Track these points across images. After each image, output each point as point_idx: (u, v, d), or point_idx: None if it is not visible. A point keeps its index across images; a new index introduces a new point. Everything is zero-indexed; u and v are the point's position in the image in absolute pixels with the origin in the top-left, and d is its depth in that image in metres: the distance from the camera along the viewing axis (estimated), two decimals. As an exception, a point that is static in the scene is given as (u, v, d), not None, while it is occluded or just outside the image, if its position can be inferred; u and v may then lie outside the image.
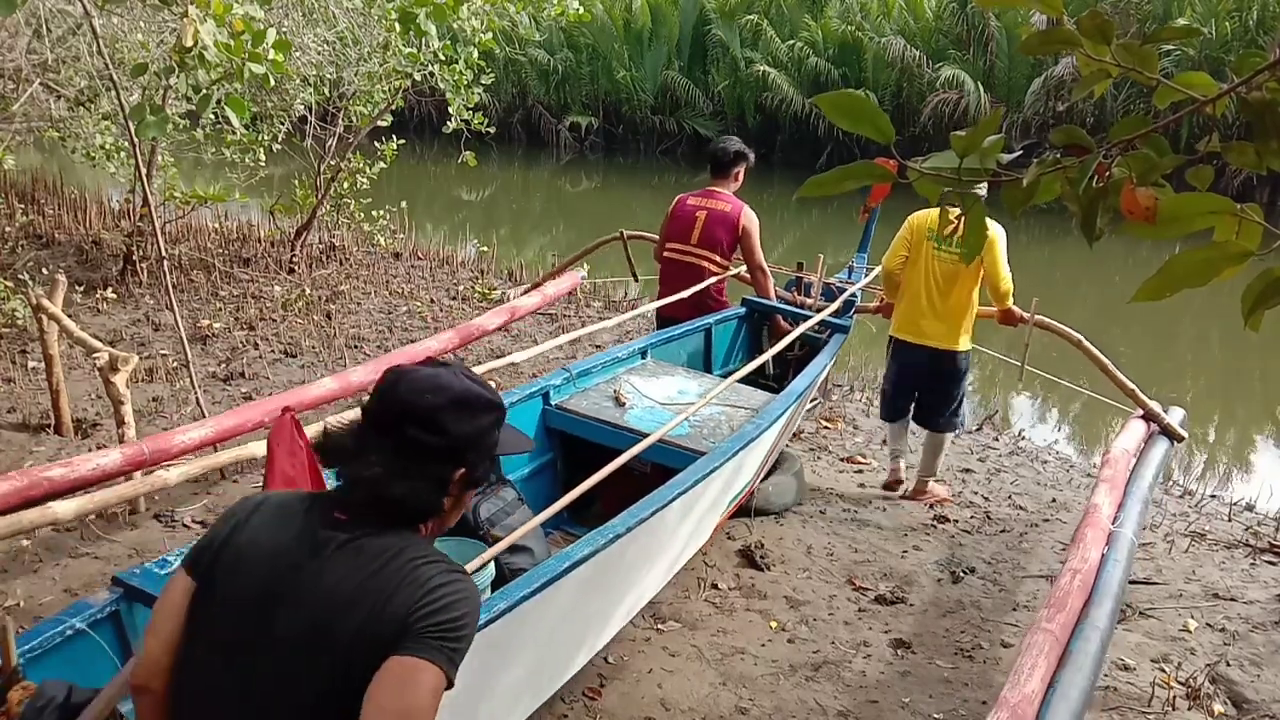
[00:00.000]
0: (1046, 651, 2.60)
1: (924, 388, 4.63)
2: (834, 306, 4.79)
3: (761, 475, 4.24)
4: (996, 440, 5.94)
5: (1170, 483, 5.49)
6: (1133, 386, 4.64)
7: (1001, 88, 17.83)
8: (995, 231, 4.29)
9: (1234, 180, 14.05)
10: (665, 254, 4.85)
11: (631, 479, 3.32)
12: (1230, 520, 4.94)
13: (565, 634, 2.75)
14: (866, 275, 5.31)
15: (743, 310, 4.97)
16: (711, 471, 3.19)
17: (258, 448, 3.46)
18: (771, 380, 4.90)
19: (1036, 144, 15.63)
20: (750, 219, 4.67)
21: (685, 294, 4.57)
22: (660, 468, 3.45)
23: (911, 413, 4.77)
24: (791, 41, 19.42)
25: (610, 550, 2.65)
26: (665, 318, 4.80)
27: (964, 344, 4.50)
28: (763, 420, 3.67)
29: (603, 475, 2.65)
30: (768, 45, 19.48)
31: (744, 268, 4.88)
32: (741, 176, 4.81)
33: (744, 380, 3.84)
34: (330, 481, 2.20)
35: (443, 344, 4.84)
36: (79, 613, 2.08)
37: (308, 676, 1.30)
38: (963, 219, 1.38)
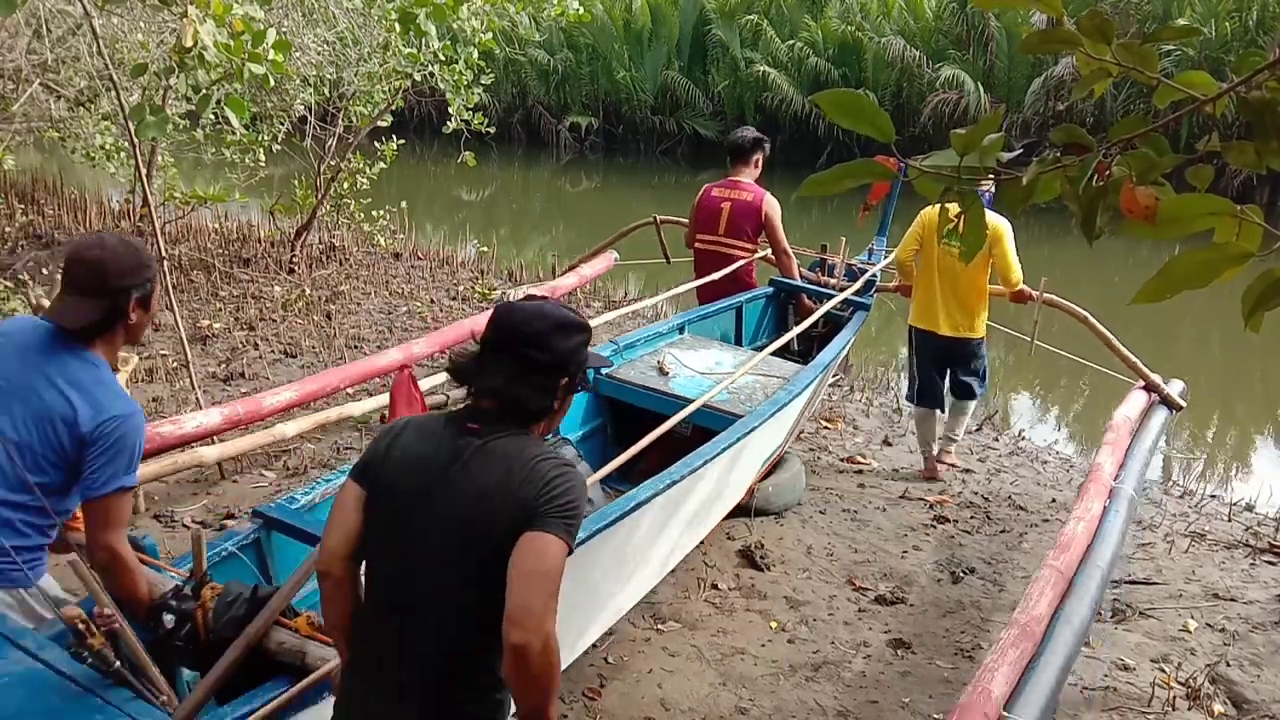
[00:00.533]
0: (1053, 583, 2.98)
1: (949, 368, 4.94)
2: (856, 286, 5.08)
3: (791, 439, 4.70)
4: (996, 440, 5.94)
5: (1170, 483, 5.49)
6: (1134, 359, 4.89)
7: (1001, 88, 17.83)
8: (1002, 226, 4.51)
9: (1234, 180, 14.05)
10: (697, 245, 5.22)
11: (673, 441, 3.52)
12: (1230, 520, 4.94)
13: (632, 564, 3.11)
14: (885, 257, 5.53)
15: (770, 290, 5.34)
16: (753, 429, 3.60)
17: (354, 407, 4.46)
18: (797, 355, 5.11)
19: (1037, 142, 15.62)
20: (772, 206, 4.98)
21: (717, 275, 4.97)
22: (700, 430, 3.79)
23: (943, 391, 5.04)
24: (791, 41, 19.42)
25: (671, 492, 3.07)
26: (704, 300, 5.19)
27: (979, 330, 4.79)
28: (795, 386, 4.08)
29: (657, 434, 3.03)
30: (768, 45, 19.47)
31: (769, 251, 5.18)
32: (760, 163, 5.11)
33: (774, 353, 4.25)
34: None
35: (444, 339, 5.31)
36: (230, 539, 2.46)
37: (459, 555, 1.62)
38: (962, 217, 1.38)
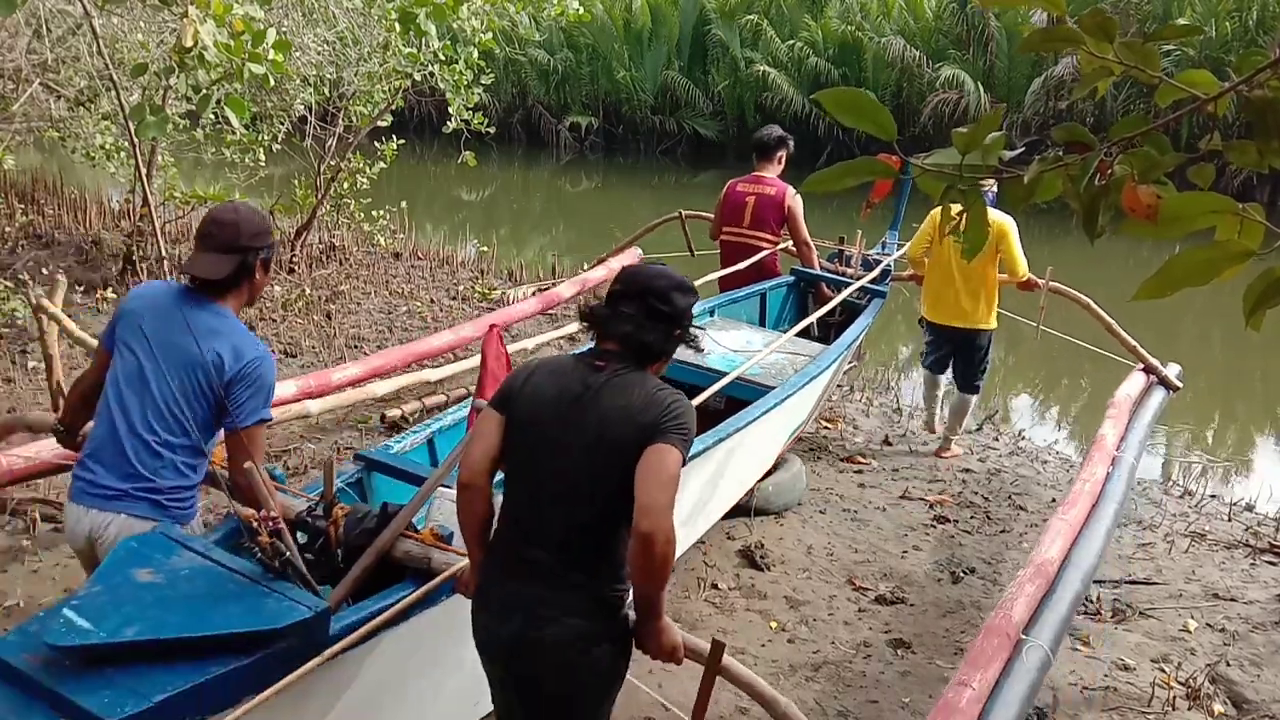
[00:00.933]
0: (1063, 533, 3.41)
1: (955, 356, 5.27)
2: (873, 275, 5.34)
3: (814, 416, 5.12)
4: (996, 440, 5.93)
5: (1170, 483, 5.49)
6: (1134, 343, 5.21)
7: (1002, 87, 17.82)
8: (1006, 223, 4.82)
9: (1235, 179, 14.05)
10: (722, 237, 5.48)
11: (706, 413, 3.85)
12: (1230, 520, 4.94)
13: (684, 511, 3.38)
14: (898, 249, 5.81)
15: (792, 279, 5.63)
16: (787, 398, 4.01)
17: (430, 373, 5.18)
18: (817, 340, 5.32)
19: (1038, 141, 15.62)
20: (795, 200, 5.24)
21: (743, 265, 5.24)
22: (733, 402, 4.06)
23: (948, 371, 5.40)
24: (791, 41, 19.41)
25: (714, 452, 3.39)
26: (726, 289, 5.40)
27: (990, 322, 5.08)
28: (822, 362, 4.48)
29: (696, 403, 3.14)
30: (768, 45, 19.46)
31: (791, 242, 5.46)
32: (784, 160, 5.37)
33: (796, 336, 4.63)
34: None
35: (526, 310, 6.20)
36: (337, 478, 2.63)
37: (592, 467, 1.95)
38: (964, 215, 1.38)
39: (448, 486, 2.52)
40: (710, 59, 20.66)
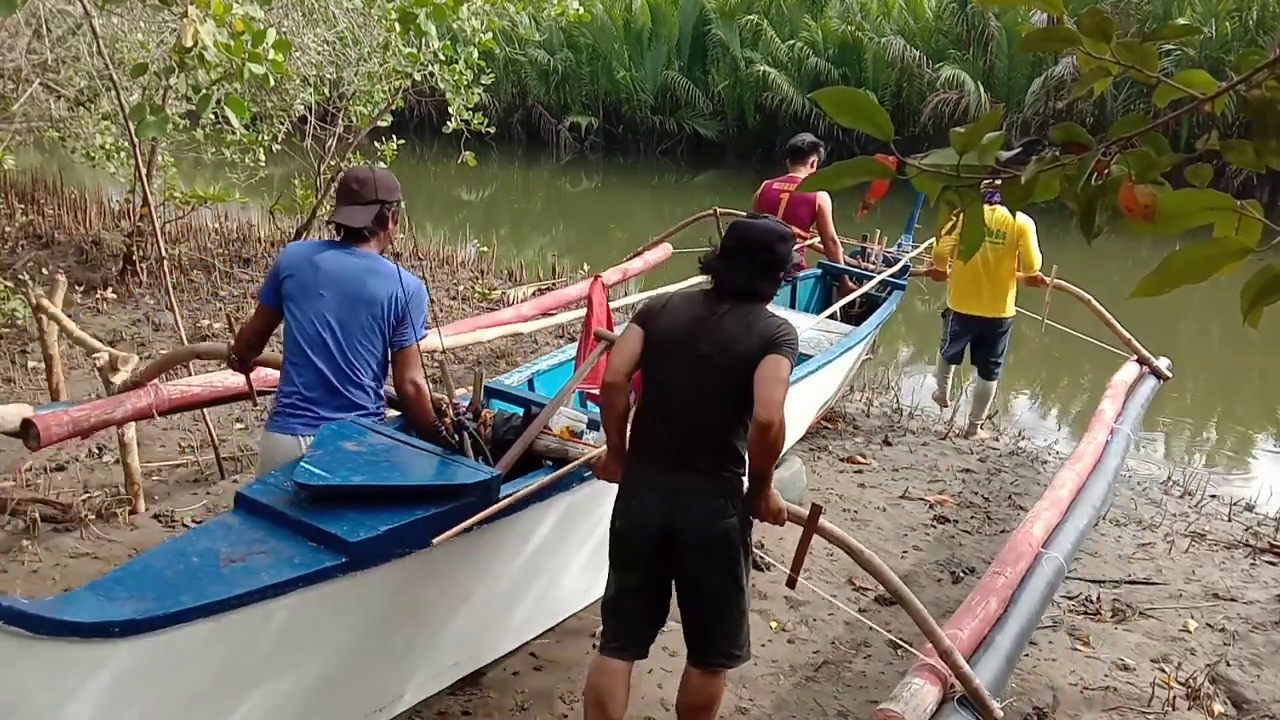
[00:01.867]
0: (1071, 480, 3.92)
1: (975, 345, 5.71)
2: (894, 270, 5.81)
3: (839, 394, 5.63)
4: (997, 440, 5.93)
5: (1170, 483, 5.49)
6: (1128, 335, 5.59)
7: (1001, 87, 17.82)
8: (1027, 223, 5.34)
9: (1234, 179, 14.05)
10: None
11: None
12: (1230, 520, 4.94)
13: None
14: (913, 249, 6.36)
15: (818, 271, 6.11)
16: (820, 367, 4.53)
17: (523, 326, 5.85)
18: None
19: (1036, 141, 15.59)
20: (825, 200, 5.65)
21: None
22: None
23: (965, 358, 5.85)
24: (791, 41, 19.41)
25: None
26: None
27: (1009, 311, 5.57)
28: (853, 337, 5.04)
29: None
30: (768, 45, 19.46)
31: (818, 239, 5.85)
32: (816, 165, 5.78)
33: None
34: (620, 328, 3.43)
35: (576, 294, 6.37)
36: (466, 400, 3.06)
37: (720, 374, 2.39)
38: (962, 216, 1.38)
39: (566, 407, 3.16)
40: (710, 59, 20.65)
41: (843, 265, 5.95)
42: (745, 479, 2.47)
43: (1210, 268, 1.18)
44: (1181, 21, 13.67)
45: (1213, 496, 5.32)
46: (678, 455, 2.44)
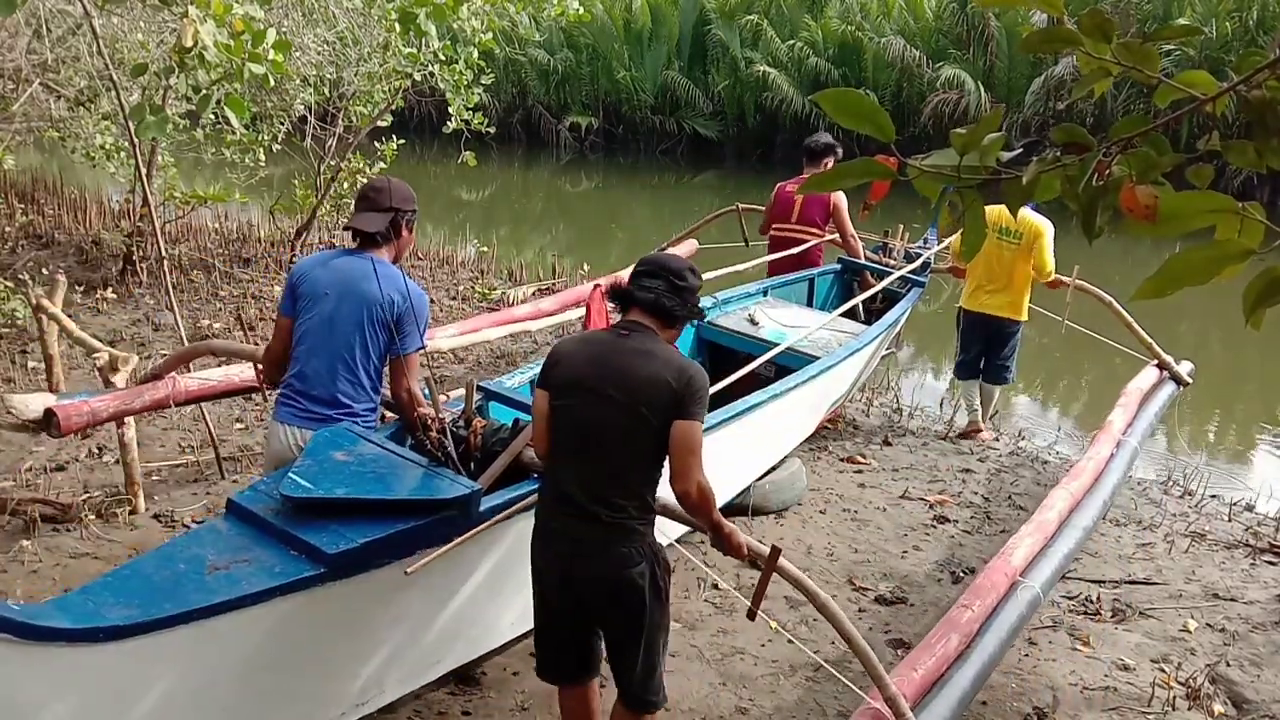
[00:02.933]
0: (1064, 499, 3.90)
1: (986, 347, 5.63)
2: (914, 265, 5.84)
3: (853, 391, 5.67)
4: (997, 440, 5.93)
5: (1170, 483, 5.49)
6: (1149, 339, 5.56)
7: (1001, 88, 17.82)
8: (1044, 225, 5.29)
9: (1234, 180, 14.04)
10: (771, 232, 6.05)
11: (758, 380, 4.19)
12: (1230, 520, 4.94)
13: (739, 459, 3.97)
14: (939, 244, 6.28)
15: (838, 267, 6.14)
16: (831, 366, 4.54)
17: (531, 324, 5.79)
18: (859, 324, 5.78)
19: (1037, 142, 15.59)
20: (840, 198, 5.77)
21: (796, 250, 5.82)
22: (783, 370, 4.46)
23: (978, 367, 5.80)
24: (791, 41, 19.40)
25: (766, 408, 3.87)
26: (774, 274, 5.96)
27: (1022, 313, 5.50)
28: (864, 338, 5.01)
29: (752, 368, 3.95)
30: (768, 45, 19.45)
31: (835, 235, 5.96)
32: (831, 165, 5.63)
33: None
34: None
35: (604, 282, 6.46)
36: (458, 405, 3.13)
37: (623, 413, 2.32)
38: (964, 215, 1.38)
39: None
40: (710, 59, 20.64)
41: (863, 261, 6.02)
42: (652, 523, 2.44)
43: (1212, 270, 1.18)
44: (1182, 22, 13.67)
45: (1213, 496, 5.32)
46: (580, 503, 2.35)
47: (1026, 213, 5.25)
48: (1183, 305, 9.19)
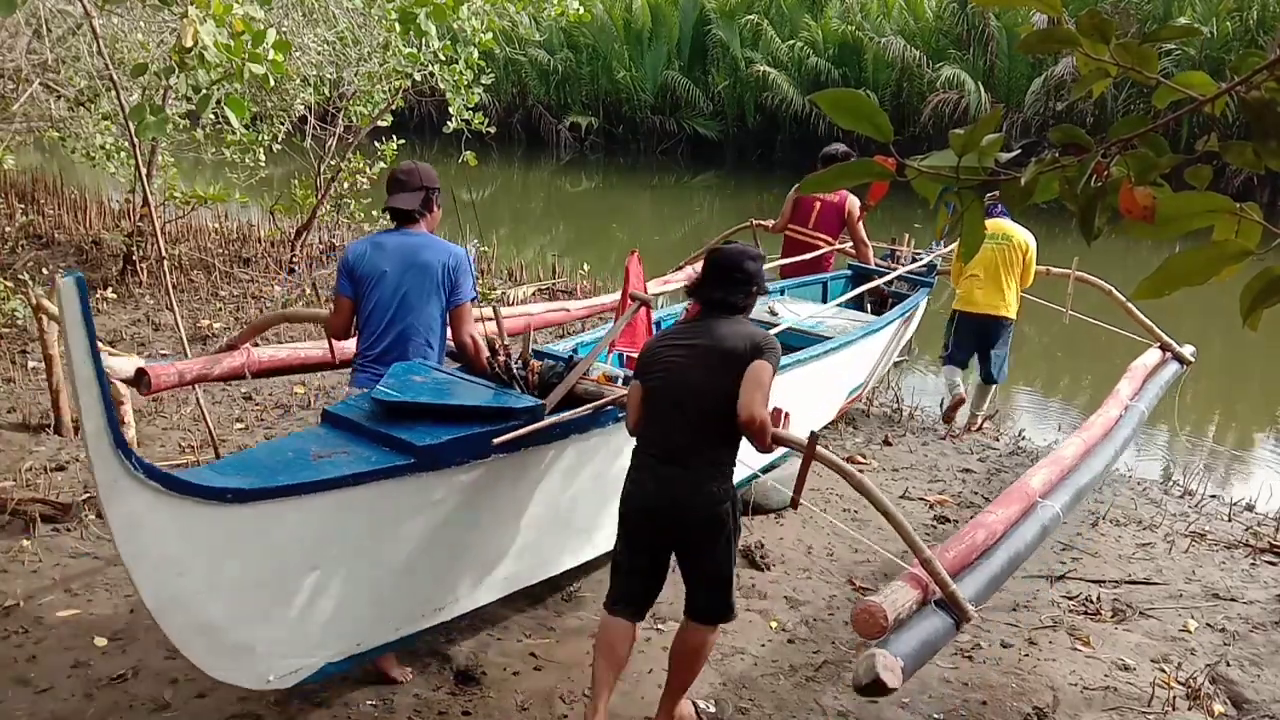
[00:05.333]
0: (1081, 445, 4.10)
1: (978, 345, 5.88)
2: (919, 264, 6.22)
3: (872, 381, 5.92)
4: (997, 440, 5.94)
5: (1170, 483, 5.49)
6: (1151, 324, 5.78)
7: (1001, 88, 17.82)
8: (1031, 239, 5.69)
9: (1234, 180, 14.05)
10: (787, 232, 6.41)
11: None
12: (1230, 520, 4.94)
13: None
14: (945, 248, 6.65)
15: (850, 272, 6.46)
16: (840, 347, 4.83)
17: (571, 303, 6.22)
18: None
19: (1036, 143, 15.61)
20: (854, 204, 6.16)
21: (807, 256, 6.15)
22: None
23: (970, 365, 6.05)
24: (791, 41, 19.41)
25: (785, 376, 3.82)
26: (786, 277, 6.30)
27: (1010, 313, 5.76)
28: (875, 324, 5.40)
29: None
30: (768, 45, 19.46)
31: (849, 243, 6.34)
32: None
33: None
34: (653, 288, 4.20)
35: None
36: (538, 357, 3.49)
37: (709, 376, 2.71)
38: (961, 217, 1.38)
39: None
40: (710, 59, 20.65)
41: (873, 266, 6.32)
42: (733, 466, 2.80)
43: (1210, 270, 1.18)
44: (1181, 22, 13.67)
45: (1213, 496, 5.33)
46: (674, 449, 2.75)
47: (1013, 224, 5.77)
48: (1182, 304, 9.19)
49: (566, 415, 3.05)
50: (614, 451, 3.32)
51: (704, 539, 2.78)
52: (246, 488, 2.33)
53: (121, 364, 3.78)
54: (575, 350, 4.18)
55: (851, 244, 6.41)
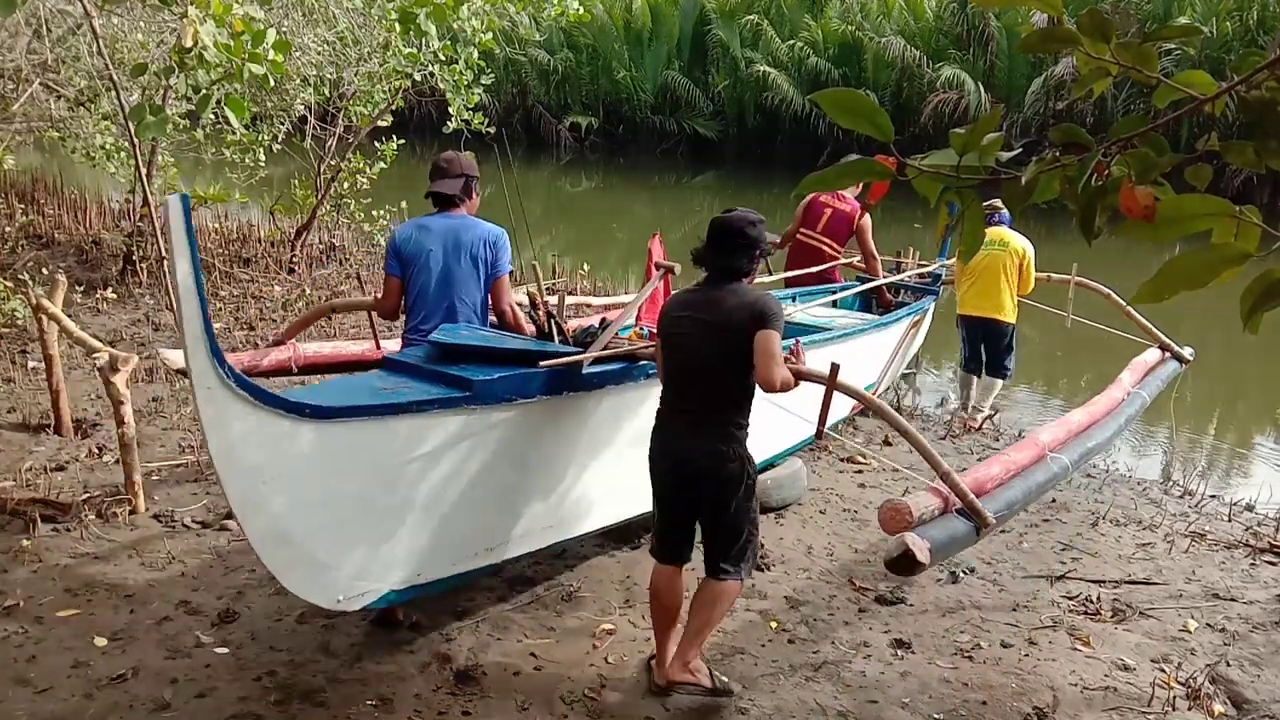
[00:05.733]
0: (1087, 416, 4.27)
1: (984, 345, 6.19)
2: (922, 270, 6.59)
3: (883, 384, 5.95)
4: (997, 440, 5.93)
5: (1170, 483, 5.49)
6: (1150, 325, 5.89)
7: (1001, 88, 17.82)
8: (1026, 248, 5.94)
9: (1234, 180, 14.04)
10: (798, 238, 6.50)
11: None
12: (1230, 520, 4.93)
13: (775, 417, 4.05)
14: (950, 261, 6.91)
15: (858, 284, 6.60)
16: (853, 334, 5.10)
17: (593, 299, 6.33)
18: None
19: (1036, 142, 15.61)
20: (865, 218, 6.25)
21: (814, 269, 6.27)
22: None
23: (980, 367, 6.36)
24: (791, 41, 19.41)
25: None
26: (792, 286, 6.36)
27: (1008, 316, 6.03)
28: (885, 319, 5.66)
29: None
30: (768, 45, 19.46)
31: (858, 257, 6.48)
32: (863, 186, 6.07)
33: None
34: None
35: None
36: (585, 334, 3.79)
37: (718, 342, 2.90)
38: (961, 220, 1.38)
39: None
40: (710, 59, 20.65)
41: (881, 278, 6.41)
42: (745, 428, 2.99)
43: (1210, 273, 1.18)
44: (1182, 22, 13.66)
45: (1213, 496, 5.32)
46: (689, 412, 2.98)
47: (1011, 232, 6.01)
48: (1182, 306, 9.18)
49: (609, 352, 3.38)
50: (648, 411, 3.45)
51: (718, 495, 2.96)
52: (324, 404, 2.59)
53: (174, 355, 4.03)
54: (604, 320, 4.46)
55: (859, 257, 6.51)
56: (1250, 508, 5.15)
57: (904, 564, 2.72)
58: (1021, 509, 3.53)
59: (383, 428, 2.71)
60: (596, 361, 3.37)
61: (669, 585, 3.11)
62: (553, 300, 4.09)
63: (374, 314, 4.31)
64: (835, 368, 3.09)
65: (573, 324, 3.92)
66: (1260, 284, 1.18)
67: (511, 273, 3.76)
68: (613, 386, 3.46)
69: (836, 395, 5.21)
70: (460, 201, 3.71)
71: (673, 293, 3.22)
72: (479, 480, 3.03)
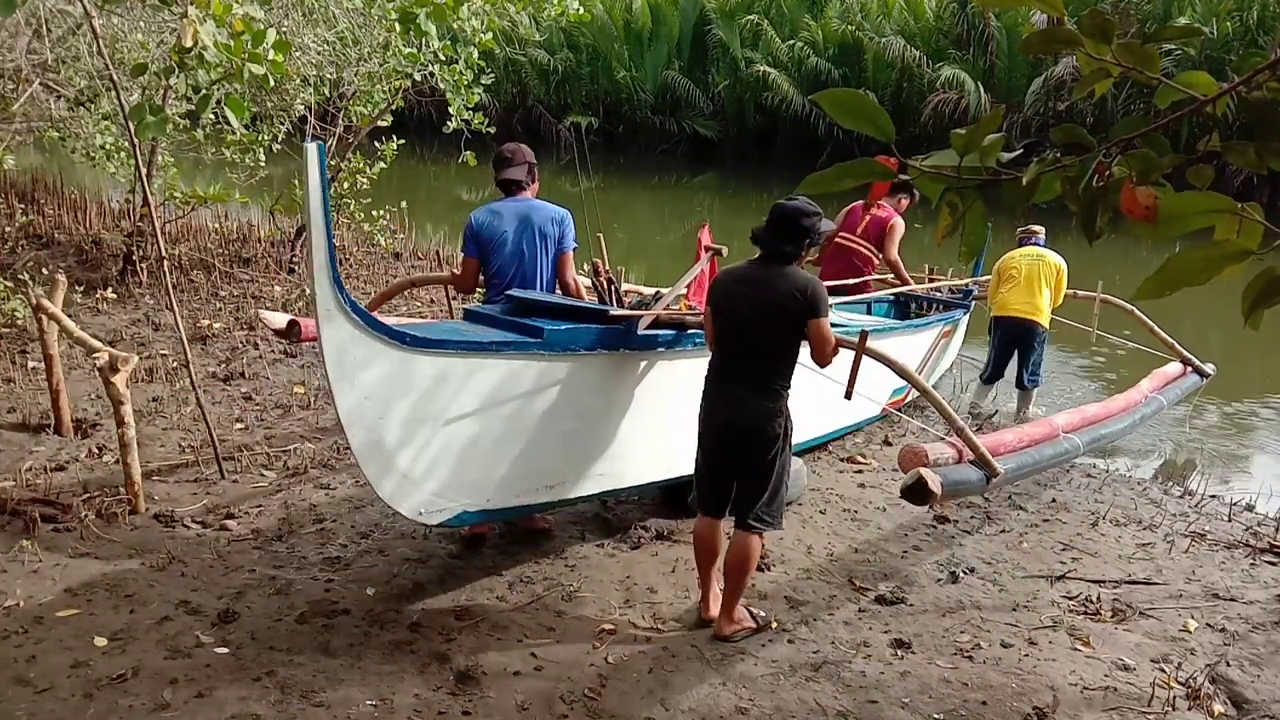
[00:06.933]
0: (1103, 410, 4.70)
1: (1015, 350, 6.43)
2: (958, 283, 7.01)
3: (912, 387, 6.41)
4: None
5: (1170, 483, 5.49)
6: (1173, 342, 6.32)
7: (1001, 88, 17.82)
8: (1061, 263, 6.33)
9: (1235, 180, 14.04)
10: (837, 240, 6.80)
11: None
12: (1230, 520, 4.93)
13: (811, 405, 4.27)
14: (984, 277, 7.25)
15: (892, 297, 7.10)
16: (887, 331, 5.45)
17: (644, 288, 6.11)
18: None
19: (1037, 143, 15.61)
20: (896, 224, 6.51)
21: (849, 281, 6.53)
22: None
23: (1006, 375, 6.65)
24: (791, 41, 19.41)
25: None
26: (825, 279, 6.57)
27: (1045, 320, 6.32)
28: (918, 322, 6.12)
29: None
30: (768, 45, 19.46)
31: (890, 274, 6.70)
32: (905, 203, 6.62)
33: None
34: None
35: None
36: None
37: (765, 316, 3.25)
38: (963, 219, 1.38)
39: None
40: (710, 59, 20.66)
41: (910, 285, 6.75)
42: (788, 389, 3.32)
43: (1211, 270, 1.18)
44: (1182, 22, 13.66)
45: (1213, 496, 5.32)
46: (737, 375, 3.32)
47: (1047, 250, 6.39)
48: (1183, 305, 9.20)
49: (663, 313, 3.76)
50: (695, 378, 3.65)
51: (757, 451, 3.29)
52: (422, 336, 2.97)
53: (275, 317, 4.36)
54: (658, 292, 4.77)
55: (893, 275, 6.78)
56: (1250, 508, 5.15)
57: (918, 492, 3.04)
58: (1030, 474, 3.84)
59: (466, 363, 3.10)
60: (651, 326, 3.71)
61: (711, 533, 3.47)
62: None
63: (451, 288, 5.05)
64: (864, 334, 3.51)
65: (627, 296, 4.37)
66: (1261, 281, 1.18)
67: (577, 248, 4.23)
68: (664, 350, 3.80)
69: (869, 405, 5.30)
70: (525, 186, 4.18)
71: (724, 268, 3.57)
72: (545, 421, 3.39)
